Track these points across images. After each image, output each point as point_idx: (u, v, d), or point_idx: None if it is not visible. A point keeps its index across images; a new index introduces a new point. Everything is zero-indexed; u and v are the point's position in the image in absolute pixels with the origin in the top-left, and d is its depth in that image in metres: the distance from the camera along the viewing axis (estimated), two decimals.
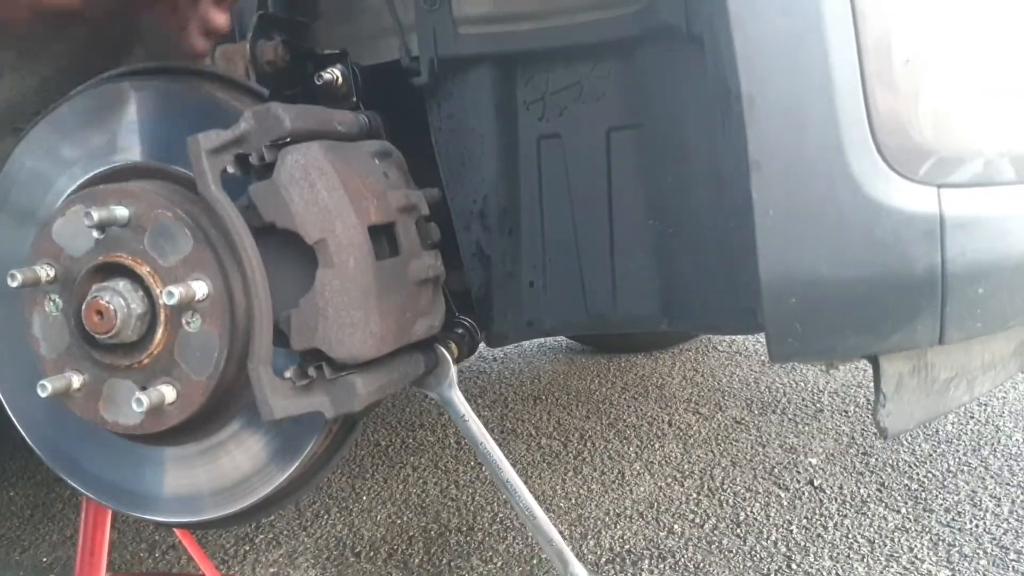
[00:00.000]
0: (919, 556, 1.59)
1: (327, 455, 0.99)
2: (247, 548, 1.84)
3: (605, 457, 2.12)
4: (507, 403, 2.52)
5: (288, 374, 0.87)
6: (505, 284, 1.26)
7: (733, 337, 2.97)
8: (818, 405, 2.36)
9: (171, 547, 1.89)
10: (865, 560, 1.59)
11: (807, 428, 2.21)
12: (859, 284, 0.75)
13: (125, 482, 1.02)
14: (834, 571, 1.56)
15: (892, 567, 1.56)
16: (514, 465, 2.10)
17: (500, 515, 1.87)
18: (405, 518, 1.91)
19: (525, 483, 1.98)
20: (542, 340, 3.21)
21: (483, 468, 2.12)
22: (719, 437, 2.19)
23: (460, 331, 1.09)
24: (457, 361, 1.06)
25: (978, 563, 1.55)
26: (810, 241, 0.75)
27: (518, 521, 1.83)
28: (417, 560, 1.72)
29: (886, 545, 1.64)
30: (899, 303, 0.76)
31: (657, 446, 2.16)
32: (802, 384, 2.52)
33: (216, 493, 0.97)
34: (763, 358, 2.77)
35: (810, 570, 1.57)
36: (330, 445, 0.97)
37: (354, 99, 1.08)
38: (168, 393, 0.88)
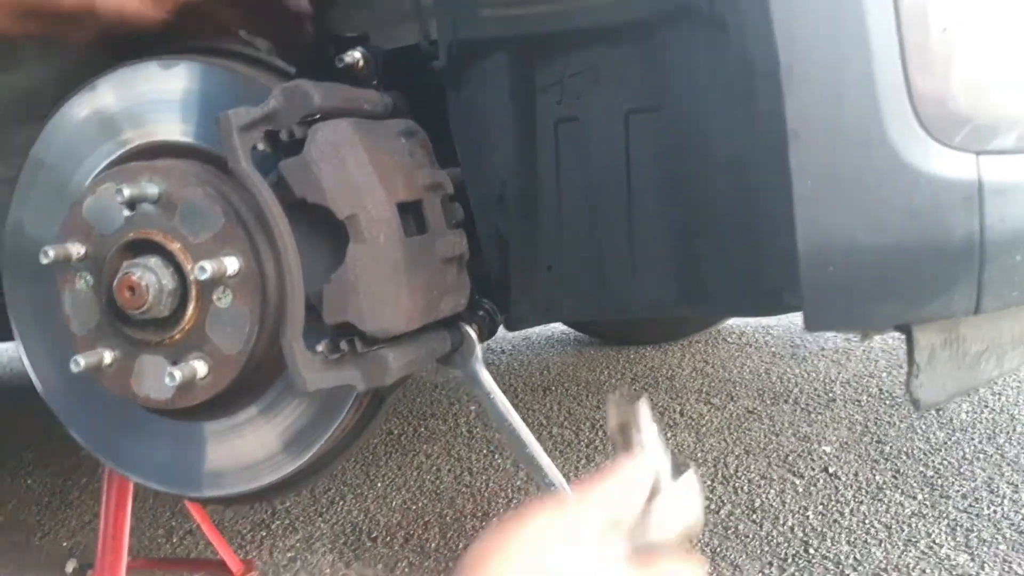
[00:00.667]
0: (937, 541, 1.59)
1: (356, 430, 1.00)
2: (264, 534, 1.86)
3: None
4: (517, 394, 2.52)
5: (320, 348, 0.88)
6: (523, 268, 1.26)
7: (743, 329, 2.97)
8: (830, 395, 2.37)
9: (188, 533, 1.90)
10: (883, 545, 1.60)
11: (820, 417, 2.22)
12: (897, 252, 0.75)
13: (163, 459, 1.03)
14: (852, 556, 1.57)
15: (911, 552, 1.56)
16: None
17: (515, 501, 1.88)
18: (420, 504, 1.92)
19: None
20: (550, 332, 3.21)
21: (496, 456, 2.13)
22: (731, 426, 2.19)
23: (481, 312, 1.10)
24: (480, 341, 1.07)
25: (997, 548, 1.55)
26: (848, 209, 0.75)
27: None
28: (434, 545, 1.73)
29: (903, 530, 1.64)
30: (936, 270, 0.76)
31: (669, 435, 2.17)
32: (813, 374, 2.53)
33: (263, 460, 0.99)
34: (773, 350, 2.78)
35: (828, 554, 1.58)
36: (360, 420, 0.98)
37: (375, 82, 1.08)
38: (200, 368, 0.89)
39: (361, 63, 1.08)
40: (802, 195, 0.74)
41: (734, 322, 2.98)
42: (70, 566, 1.80)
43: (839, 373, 2.52)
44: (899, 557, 1.55)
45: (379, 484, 2.03)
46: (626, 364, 2.73)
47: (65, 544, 1.92)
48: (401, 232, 0.88)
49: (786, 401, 2.33)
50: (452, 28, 1.16)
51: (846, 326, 0.81)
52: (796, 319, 3.02)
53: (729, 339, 2.89)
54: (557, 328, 3.18)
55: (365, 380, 0.89)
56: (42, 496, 2.19)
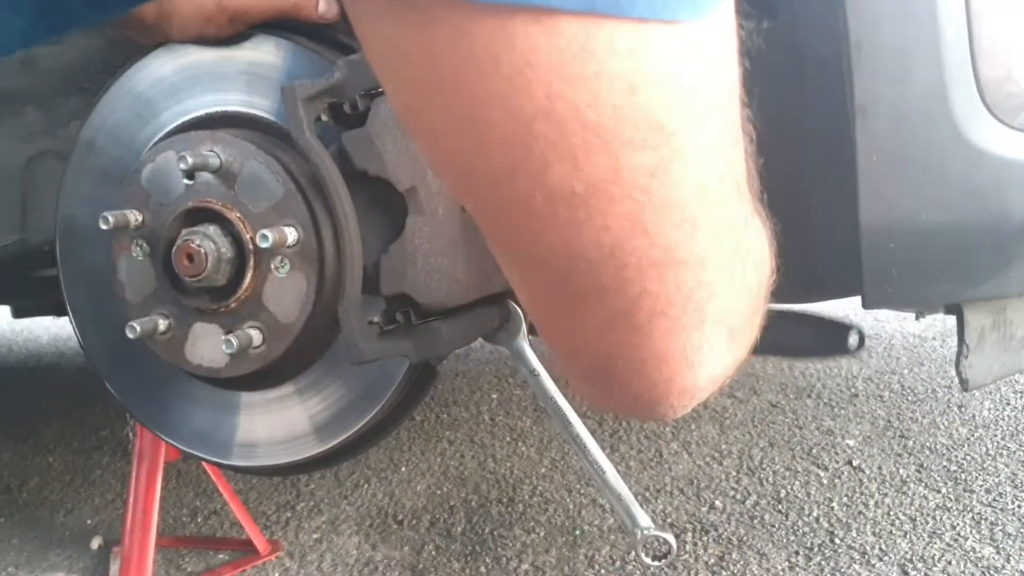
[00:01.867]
0: (962, 534, 1.60)
1: (406, 404, 1.01)
2: (289, 515, 1.87)
3: (641, 436, 2.14)
4: None
5: (375, 319, 0.88)
6: None
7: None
8: (852, 390, 2.37)
9: (213, 513, 1.92)
10: (908, 536, 1.60)
11: (843, 412, 2.22)
12: (956, 230, 0.76)
13: (206, 426, 1.03)
14: (877, 546, 1.57)
15: (936, 544, 1.57)
16: (550, 442, 2.12)
17: (540, 488, 1.89)
18: (445, 489, 1.92)
19: (562, 459, 2.00)
20: None
21: (520, 444, 2.14)
22: (755, 419, 2.20)
23: None
24: None
25: (1022, 542, 1.56)
26: (911, 186, 0.75)
27: (558, 494, 1.85)
28: (460, 529, 1.74)
29: (928, 523, 1.65)
30: (993, 250, 0.76)
31: (693, 427, 2.17)
32: (835, 370, 2.53)
33: (314, 431, 0.99)
34: None
35: (853, 545, 1.58)
36: (409, 392, 0.99)
37: None
38: (255, 336, 0.89)
39: None
40: (866, 171, 0.75)
41: None
42: (95, 543, 1.81)
43: (861, 369, 2.52)
44: (924, 548, 1.56)
45: (403, 469, 2.04)
46: None
47: (89, 522, 1.93)
48: (458, 206, 0.88)
49: (809, 396, 2.34)
50: None
51: (903, 304, 0.81)
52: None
53: None
54: None
55: (418, 352, 0.89)
56: (64, 474, 2.21)
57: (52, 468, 2.25)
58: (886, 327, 2.85)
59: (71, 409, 2.66)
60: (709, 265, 0.41)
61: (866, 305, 0.80)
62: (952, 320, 0.93)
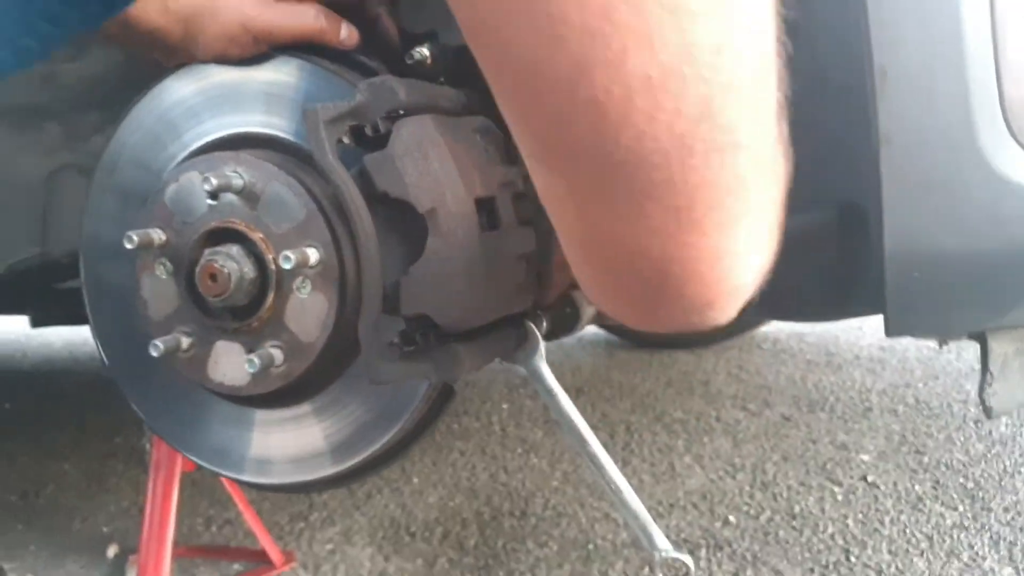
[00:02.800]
0: (980, 553, 1.59)
1: (424, 424, 1.01)
2: (302, 525, 1.87)
3: (654, 450, 2.14)
4: None
5: (395, 340, 0.89)
6: None
7: (776, 336, 2.97)
8: (866, 404, 2.36)
9: (227, 522, 1.92)
10: (925, 556, 1.59)
11: (857, 426, 2.21)
12: (981, 258, 0.76)
13: (223, 442, 1.04)
14: (894, 565, 1.57)
15: (953, 563, 1.56)
16: (562, 454, 2.12)
17: (552, 501, 1.89)
18: (457, 501, 1.93)
19: (574, 471, 2.00)
20: (581, 333, 3.22)
21: (532, 455, 2.14)
22: (768, 433, 2.19)
23: (542, 312, 1.11)
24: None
25: None
26: (936, 214, 0.75)
27: (571, 508, 1.85)
28: (472, 542, 1.74)
29: (945, 542, 1.64)
30: (1019, 278, 0.76)
31: (706, 440, 2.17)
32: (849, 383, 2.52)
33: (327, 450, 1.00)
34: (808, 357, 2.77)
35: (869, 563, 1.58)
36: (427, 413, 0.99)
37: (441, 79, 1.09)
38: (276, 356, 0.90)
39: (430, 60, 1.09)
40: (891, 199, 0.75)
41: (768, 328, 2.98)
42: (111, 551, 1.82)
43: (875, 382, 2.51)
44: (942, 568, 1.55)
45: (415, 480, 2.05)
46: (659, 368, 2.73)
47: (105, 529, 1.94)
48: (478, 228, 0.89)
49: (822, 409, 2.33)
50: None
51: (927, 332, 0.81)
52: (830, 326, 3.01)
53: (763, 345, 2.89)
54: (588, 329, 3.19)
55: (437, 373, 0.89)
56: (80, 480, 2.22)
57: (68, 474, 2.26)
58: (900, 340, 2.83)
59: (86, 414, 2.68)
60: (761, 150, 0.44)
61: (889, 333, 0.80)
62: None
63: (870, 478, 1.92)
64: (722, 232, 0.46)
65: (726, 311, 0.54)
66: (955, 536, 1.66)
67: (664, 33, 0.37)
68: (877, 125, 0.75)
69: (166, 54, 0.95)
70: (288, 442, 1.03)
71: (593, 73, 0.39)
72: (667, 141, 0.41)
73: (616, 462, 2.04)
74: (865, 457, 2.03)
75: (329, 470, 1.01)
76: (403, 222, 0.88)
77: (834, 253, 0.87)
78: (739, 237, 0.47)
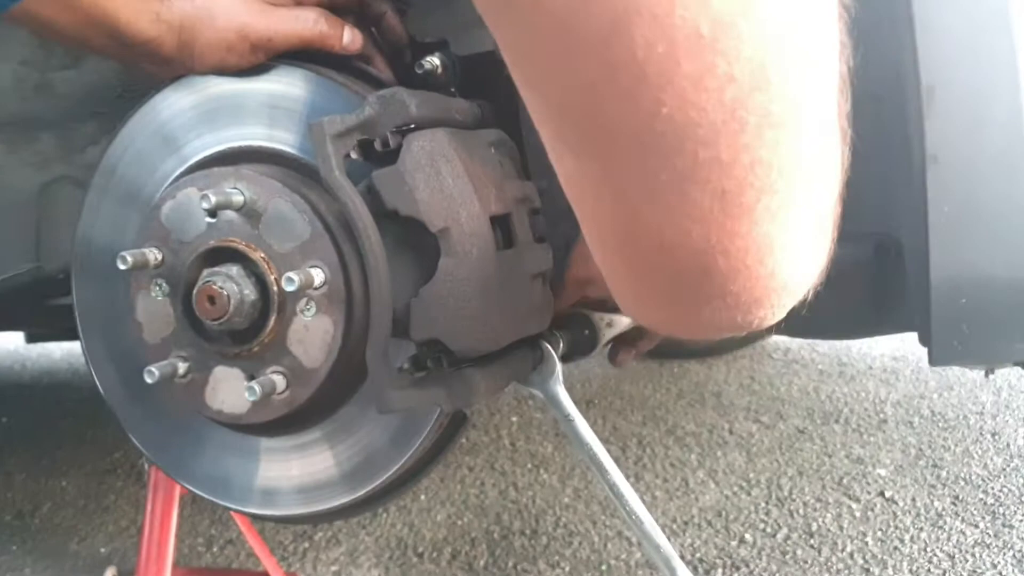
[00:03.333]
0: (1003, 572, 1.54)
1: (437, 450, 0.96)
2: (306, 545, 1.82)
3: (667, 464, 2.09)
4: None
5: (405, 365, 0.84)
6: None
7: (788, 346, 2.92)
8: (881, 416, 2.31)
9: (228, 542, 1.87)
10: (947, 575, 1.54)
11: (872, 439, 2.16)
12: None
13: (216, 471, 0.99)
14: None
15: None
16: (572, 469, 2.07)
17: (563, 519, 1.84)
18: (466, 519, 1.88)
19: (585, 488, 1.95)
20: None
21: (542, 471, 2.09)
22: (783, 446, 2.14)
23: (558, 333, 1.06)
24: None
25: None
26: (985, 239, 0.71)
27: (583, 526, 1.80)
28: (482, 562, 1.69)
29: (968, 560, 1.59)
30: None
31: (719, 454, 2.12)
32: (863, 394, 2.47)
33: (339, 479, 0.95)
34: (820, 367, 2.72)
35: None
36: (438, 441, 0.95)
37: (452, 89, 1.05)
38: (279, 382, 0.85)
39: (440, 70, 1.04)
40: (937, 222, 0.70)
41: (779, 338, 2.93)
42: (109, 573, 1.77)
43: (889, 393, 2.46)
44: None
45: (422, 497, 2.00)
46: (670, 379, 2.68)
47: (103, 550, 1.89)
48: (494, 247, 0.84)
49: (836, 421, 2.28)
50: None
51: (971, 361, 0.76)
52: None
53: (774, 355, 2.84)
54: None
55: (451, 401, 0.85)
56: (77, 498, 2.17)
57: (65, 492, 2.21)
58: (914, 349, 2.78)
59: (85, 429, 2.62)
60: (821, 128, 0.38)
61: (934, 362, 0.75)
62: None
63: (888, 493, 1.87)
64: (774, 220, 0.41)
65: (775, 311, 0.48)
66: (977, 555, 1.61)
67: None
68: (923, 145, 0.70)
69: (160, 66, 0.90)
70: (297, 470, 0.98)
71: (633, 26, 0.33)
72: (716, 112, 0.35)
73: (628, 477, 1.99)
74: (882, 471, 1.98)
75: (342, 499, 0.96)
76: (414, 241, 0.84)
77: (867, 285, 0.82)
78: (793, 227, 0.42)
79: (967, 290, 0.71)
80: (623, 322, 1.12)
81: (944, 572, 1.56)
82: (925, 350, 0.78)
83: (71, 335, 2.06)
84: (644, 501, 1.91)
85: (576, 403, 1.01)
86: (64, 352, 3.78)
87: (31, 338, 2.20)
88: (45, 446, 2.50)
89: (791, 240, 0.43)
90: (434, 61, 1.05)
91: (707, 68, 0.34)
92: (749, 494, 1.90)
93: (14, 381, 3.43)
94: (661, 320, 0.54)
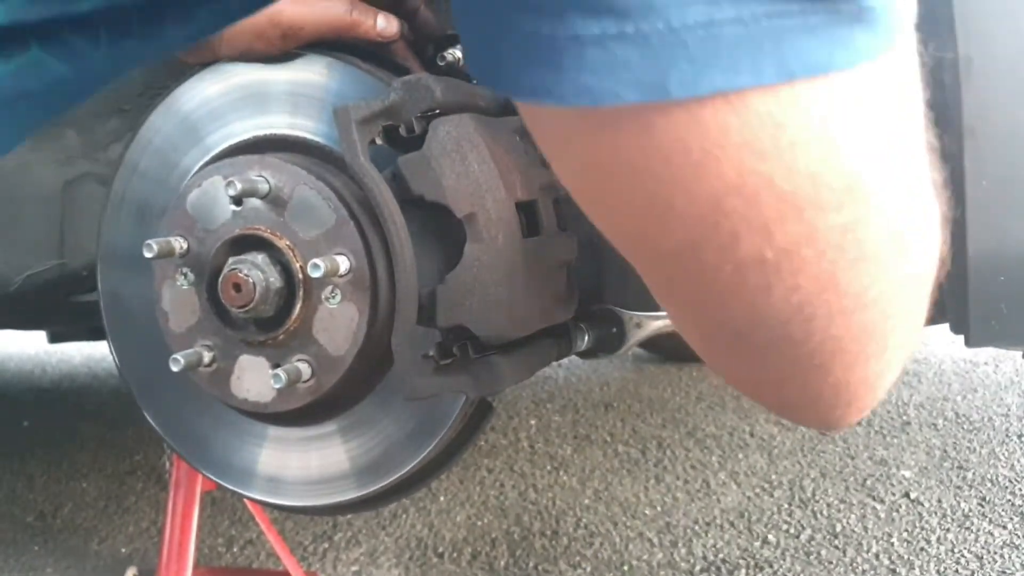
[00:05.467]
0: None
1: (460, 442, 0.96)
2: (326, 545, 1.82)
3: (687, 466, 2.07)
4: (578, 409, 2.47)
5: (431, 352, 0.84)
6: (618, 274, 1.21)
7: None
8: (904, 418, 2.29)
9: (248, 542, 1.87)
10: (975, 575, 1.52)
11: (896, 441, 2.14)
12: None
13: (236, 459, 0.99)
14: None
15: None
16: (592, 471, 2.06)
17: (584, 520, 1.82)
18: (485, 520, 1.87)
19: (605, 489, 1.94)
20: None
21: (561, 472, 2.08)
22: (804, 448, 2.12)
23: (584, 324, 1.05)
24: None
25: None
26: None
27: (604, 527, 1.78)
28: (503, 563, 1.68)
29: (996, 561, 1.57)
30: None
31: (740, 456, 2.10)
32: (885, 395, 2.45)
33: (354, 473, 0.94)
34: None
35: None
36: (465, 428, 0.94)
37: (473, 81, 1.05)
38: (304, 370, 0.85)
39: (462, 62, 1.04)
40: (975, 197, 0.69)
41: None
42: (130, 573, 1.77)
43: (911, 395, 2.44)
44: None
45: (442, 498, 1.99)
46: (689, 382, 2.67)
47: (124, 550, 1.90)
48: (520, 233, 0.83)
49: (859, 423, 2.25)
50: None
51: (1008, 342, 0.75)
52: None
53: None
54: None
55: (476, 388, 0.84)
56: (98, 500, 2.17)
57: (86, 493, 2.22)
58: (936, 351, 2.76)
59: (105, 432, 2.64)
60: (896, 301, 0.40)
61: (970, 343, 0.74)
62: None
63: (913, 495, 1.85)
64: (850, 371, 0.43)
65: (852, 424, 0.52)
66: (1006, 556, 1.58)
67: (784, 223, 0.34)
68: (961, 117, 0.69)
69: (187, 52, 0.90)
70: (308, 462, 0.97)
71: (702, 252, 0.36)
72: (783, 312, 0.38)
73: (649, 479, 1.98)
74: (906, 473, 1.96)
75: (352, 493, 0.96)
76: (439, 227, 0.83)
77: None
78: (871, 373, 0.44)
79: (1006, 268, 0.70)
80: (653, 325, 1.11)
81: (972, 573, 1.54)
82: (947, 353, 0.76)
83: (94, 335, 2.07)
84: (666, 503, 1.90)
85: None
86: (84, 357, 3.80)
87: (54, 338, 2.21)
88: (66, 448, 2.51)
89: (870, 379, 0.45)
90: (456, 53, 1.05)
91: (773, 283, 0.37)
92: (771, 495, 1.88)
93: (35, 385, 3.45)
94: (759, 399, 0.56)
